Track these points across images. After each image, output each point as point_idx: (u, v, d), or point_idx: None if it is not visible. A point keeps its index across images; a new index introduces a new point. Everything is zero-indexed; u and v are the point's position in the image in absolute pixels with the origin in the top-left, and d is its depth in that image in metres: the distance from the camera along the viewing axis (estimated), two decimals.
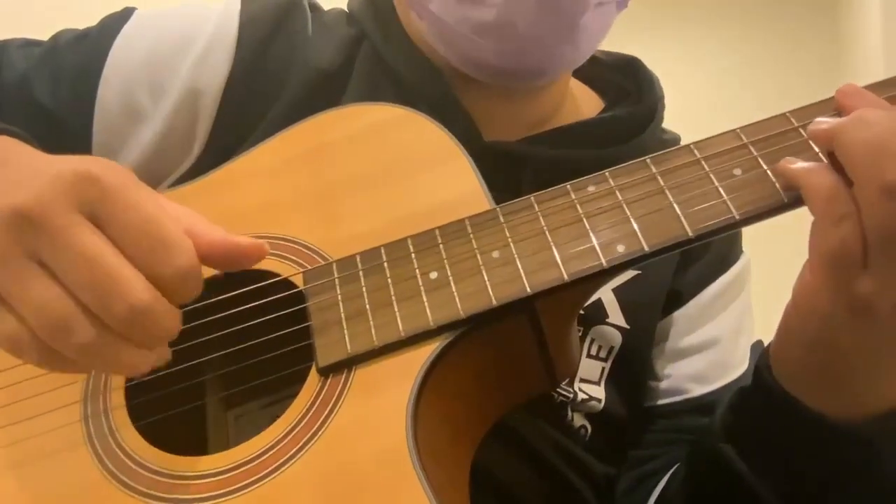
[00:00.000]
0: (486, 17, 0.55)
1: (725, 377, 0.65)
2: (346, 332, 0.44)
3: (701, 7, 3.46)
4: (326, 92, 0.58)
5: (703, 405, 0.63)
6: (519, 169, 0.59)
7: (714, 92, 3.08)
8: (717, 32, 3.49)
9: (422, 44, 0.62)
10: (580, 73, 0.68)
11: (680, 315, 0.64)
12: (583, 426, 0.61)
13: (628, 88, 0.68)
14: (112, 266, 0.36)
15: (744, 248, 0.70)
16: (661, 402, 0.64)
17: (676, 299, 0.64)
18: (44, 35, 0.64)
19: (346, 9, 0.68)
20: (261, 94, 0.60)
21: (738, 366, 0.66)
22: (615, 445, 0.63)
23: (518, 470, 0.57)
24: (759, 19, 3.44)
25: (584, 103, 0.69)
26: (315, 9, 0.66)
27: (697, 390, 0.64)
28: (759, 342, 0.70)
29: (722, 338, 0.65)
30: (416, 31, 0.62)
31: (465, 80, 0.61)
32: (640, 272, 0.62)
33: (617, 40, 0.68)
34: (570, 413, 0.60)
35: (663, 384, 0.64)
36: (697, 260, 0.65)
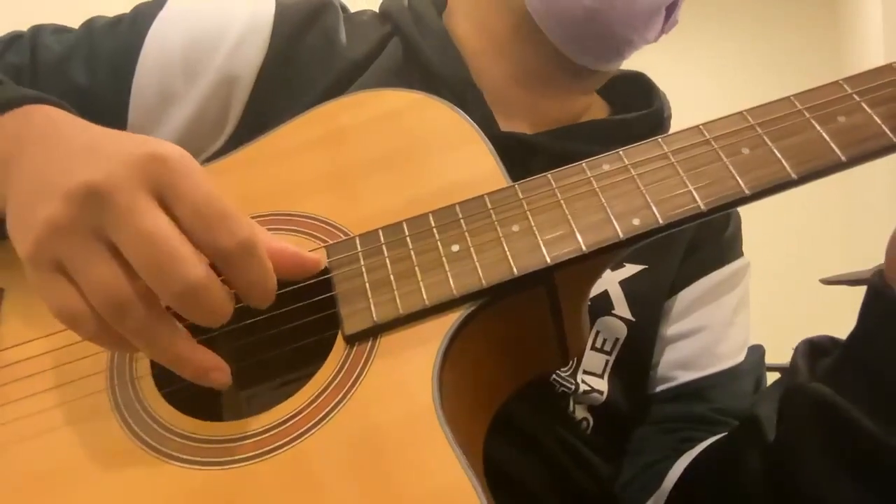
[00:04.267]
0: (590, 2, 0.59)
1: (713, 366, 0.66)
2: (371, 301, 0.45)
3: (700, 8, 3.53)
4: (352, 81, 0.61)
5: (690, 392, 0.65)
6: (529, 159, 0.61)
7: (714, 92, 3.13)
8: (716, 33, 3.55)
9: (459, 34, 0.65)
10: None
11: (670, 304, 0.66)
12: (584, 418, 0.62)
13: (633, 97, 0.71)
14: (172, 244, 0.37)
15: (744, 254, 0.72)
16: (652, 391, 0.66)
17: (671, 289, 0.66)
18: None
19: (377, 10, 0.71)
20: (292, 84, 0.62)
21: (727, 357, 0.67)
22: (617, 439, 0.65)
23: (519, 458, 0.58)
24: (759, 20, 3.51)
25: (598, 110, 0.72)
26: (345, 10, 0.69)
27: (683, 377, 0.65)
28: (759, 346, 0.71)
29: (709, 326, 0.67)
30: (455, 19, 0.65)
31: (495, 75, 0.64)
32: (647, 266, 0.64)
33: None
34: (571, 404, 0.61)
35: (652, 373, 0.66)
36: (694, 254, 0.67)
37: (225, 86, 0.60)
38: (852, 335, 0.49)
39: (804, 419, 0.49)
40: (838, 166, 0.45)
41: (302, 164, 0.54)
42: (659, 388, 0.65)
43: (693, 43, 3.49)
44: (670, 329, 0.66)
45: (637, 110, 0.69)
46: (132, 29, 0.62)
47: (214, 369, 0.40)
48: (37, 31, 0.64)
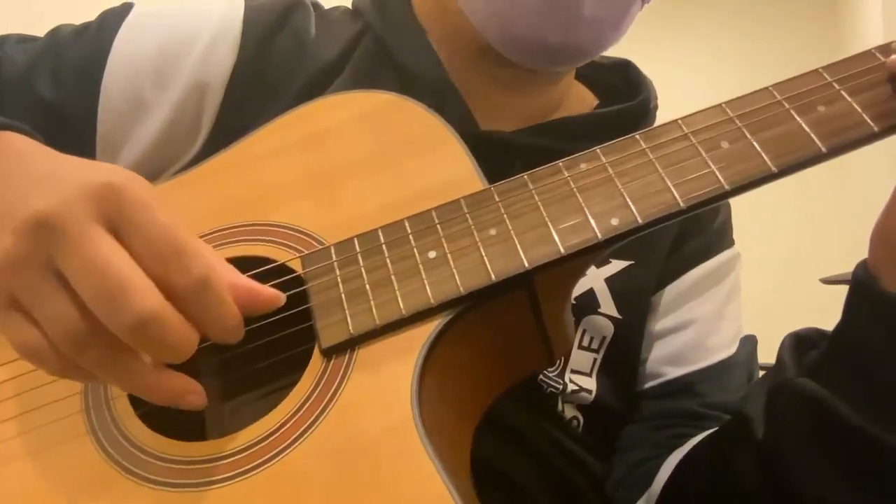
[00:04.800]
0: None
1: (703, 360, 0.65)
2: (347, 312, 0.44)
3: (700, 7, 3.51)
4: (326, 84, 0.59)
5: (680, 388, 0.64)
6: (511, 159, 0.60)
7: (713, 92, 3.12)
8: (715, 32, 3.54)
9: (432, 30, 0.63)
10: (577, 71, 0.70)
11: (658, 299, 0.65)
12: (574, 417, 0.61)
13: (619, 87, 0.70)
14: (120, 273, 0.36)
15: (735, 243, 0.70)
16: (641, 387, 0.65)
17: (657, 284, 0.65)
18: (37, 32, 0.64)
19: (349, 6, 0.69)
20: (264, 88, 0.60)
21: (718, 350, 0.66)
22: (608, 436, 0.64)
23: (514, 460, 0.58)
24: (758, 20, 3.49)
25: (581, 100, 0.70)
26: (318, 7, 0.67)
27: (672, 372, 0.64)
28: (752, 336, 0.70)
29: (698, 319, 0.66)
30: (428, 18, 0.63)
31: (469, 70, 0.62)
32: (633, 262, 0.63)
33: None
34: (560, 404, 0.60)
35: (641, 369, 0.65)
36: (681, 247, 0.66)
37: (196, 93, 0.59)
38: (838, 329, 0.48)
39: (792, 417, 0.48)
40: (819, 157, 0.44)
41: (276, 170, 0.53)
42: (648, 385, 0.65)
43: (692, 42, 3.48)
44: (658, 324, 0.65)
45: (623, 100, 0.68)
46: (98, 36, 0.60)
47: (187, 393, 0.39)
48: (1, 41, 0.62)
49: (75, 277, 0.36)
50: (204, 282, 0.37)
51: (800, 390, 0.48)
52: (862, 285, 0.46)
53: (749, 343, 0.69)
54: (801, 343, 0.51)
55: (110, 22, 0.61)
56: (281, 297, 0.42)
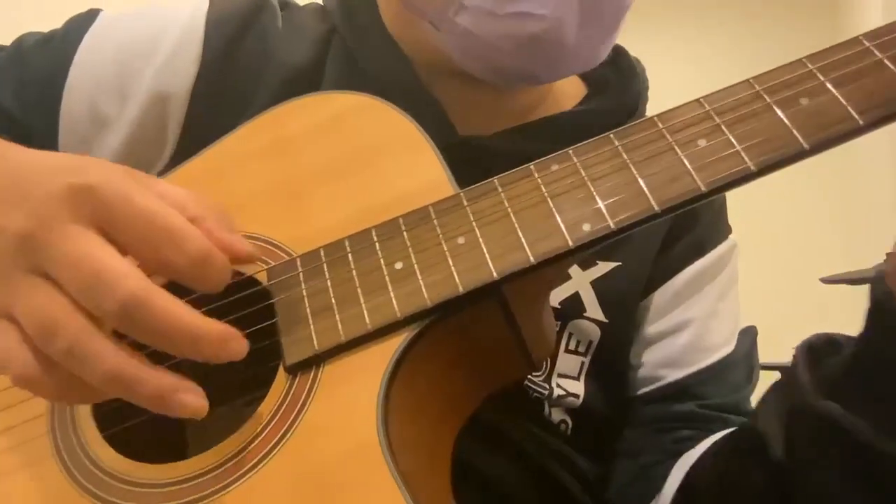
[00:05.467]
0: (533, 29, 0.52)
1: (701, 360, 0.63)
2: (312, 328, 0.43)
3: (699, 7, 3.44)
4: (301, 89, 0.56)
5: (679, 390, 0.62)
6: (492, 165, 0.57)
7: (709, 87, 3.07)
8: (715, 32, 3.47)
9: (402, 36, 0.60)
10: None
11: (651, 301, 0.63)
12: (563, 421, 0.60)
13: (610, 77, 0.67)
14: (101, 261, 0.35)
15: (732, 232, 0.68)
16: (639, 392, 0.63)
17: (649, 285, 0.63)
18: (8, 37, 0.63)
19: (320, 1, 0.66)
20: (232, 95, 0.58)
21: (716, 348, 0.64)
22: (598, 440, 0.62)
23: (502, 464, 0.57)
24: (758, 19, 3.42)
25: (568, 90, 0.67)
26: (285, 6, 0.64)
27: (671, 375, 0.62)
28: (751, 328, 0.68)
29: (695, 320, 0.64)
30: (397, 23, 0.60)
31: (444, 73, 0.59)
32: (619, 263, 0.61)
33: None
34: (547, 408, 0.59)
35: (639, 373, 0.63)
36: (674, 244, 0.64)
37: (157, 105, 0.57)
38: (858, 350, 0.45)
39: (816, 441, 0.46)
40: (802, 154, 0.41)
41: (244, 177, 0.52)
42: (647, 389, 0.63)
43: (691, 41, 3.41)
44: (653, 327, 0.63)
45: (611, 89, 0.66)
46: (60, 47, 0.59)
47: (180, 390, 0.36)
48: None
49: (62, 277, 0.35)
50: (201, 257, 0.37)
51: (823, 415, 0.45)
52: (881, 305, 0.44)
53: (748, 336, 0.67)
54: (814, 355, 0.48)
55: (73, 31, 0.60)
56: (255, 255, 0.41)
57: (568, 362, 0.59)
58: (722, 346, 0.64)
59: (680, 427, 0.61)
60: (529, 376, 0.57)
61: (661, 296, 0.63)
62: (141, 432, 0.42)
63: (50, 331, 0.35)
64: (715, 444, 0.58)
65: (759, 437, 0.49)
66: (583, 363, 0.59)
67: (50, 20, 0.64)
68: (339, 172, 0.50)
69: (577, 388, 0.59)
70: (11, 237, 0.36)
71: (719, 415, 0.61)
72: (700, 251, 0.64)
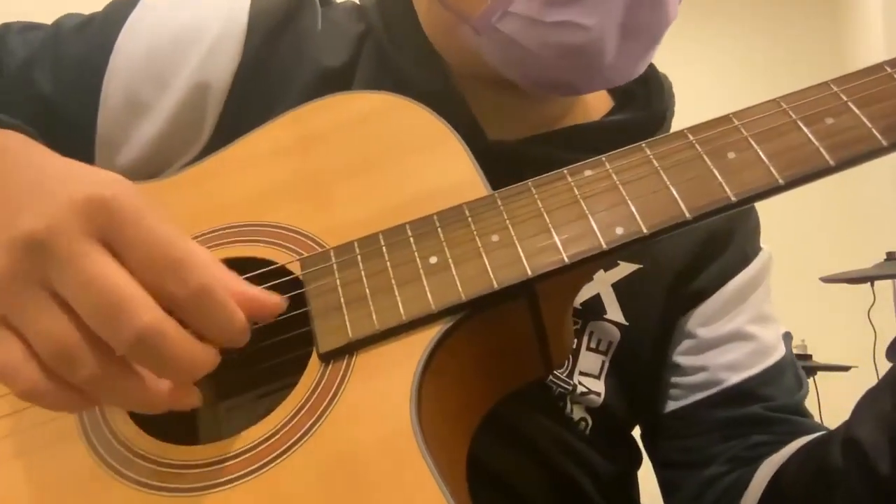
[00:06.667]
0: (576, 40, 0.53)
1: (760, 363, 0.64)
2: (346, 316, 0.43)
3: (700, 7, 3.50)
4: (332, 89, 0.56)
5: (742, 393, 0.63)
6: (520, 170, 0.58)
7: (713, 92, 3.11)
8: (715, 33, 3.53)
9: (436, 38, 0.61)
10: None
11: (704, 309, 0.64)
12: (583, 419, 0.61)
13: (637, 92, 0.68)
14: (118, 288, 0.35)
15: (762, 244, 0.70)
16: (698, 396, 0.64)
17: (699, 295, 0.64)
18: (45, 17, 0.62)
19: (357, 0, 0.67)
20: (268, 89, 0.59)
21: (770, 352, 0.65)
22: (616, 439, 0.63)
23: (516, 461, 0.57)
24: (759, 20, 3.49)
25: (594, 101, 0.68)
26: (325, 4, 0.65)
27: (733, 378, 0.63)
28: (787, 333, 0.70)
29: (749, 326, 0.65)
30: (433, 25, 0.61)
31: (475, 77, 0.60)
32: (641, 266, 0.62)
33: None
34: (569, 405, 0.60)
35: (698, 377, 0.64)
36: (718, 256, 0.65)
37: (198, 94, 0.58)
38: None
39: None
40: (827, 170, 0.43)
41: (273, 170, 0.52)
42: (709, 392, 0.63)
43: (691, 42, 3.47)
44: (710, 333, 0.64)
45: (637, 103, 0.67)
46: (101, 32, 0.59)
47: (184, 398, 0.38)
48: (3, 31, 0.61)
49: (72, 296, 0.35)
50: (203, 290, 0.36)
51: None
52: None
53: (789, 340, 0.69)
54: None
55: (114, 16, 0.59)
56: (283, 303, 0.41)
57: (589, 360, 0.60)
58: (774, 350, 0.66)
59: (749, 432, 0.62)
60: (554, 371, 0.58)
61: (713, 303, 0.64)
62: (165, 415, 0.42)
63: (67, 360, 0.35)
64: (803, 450, 0.58)
65: (858, 446, 0.49)
66: (603, 362, 0.60)
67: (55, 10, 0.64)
68: (367, 168, 0.50)
69: (598, 386, 0.60)
70: (20, 236, 0.35)
71: (786, 417, 0.62)
72: (745, 261, 0.66)
